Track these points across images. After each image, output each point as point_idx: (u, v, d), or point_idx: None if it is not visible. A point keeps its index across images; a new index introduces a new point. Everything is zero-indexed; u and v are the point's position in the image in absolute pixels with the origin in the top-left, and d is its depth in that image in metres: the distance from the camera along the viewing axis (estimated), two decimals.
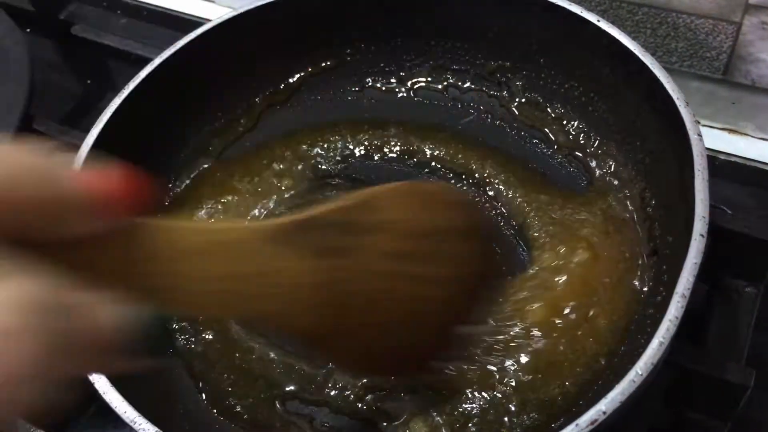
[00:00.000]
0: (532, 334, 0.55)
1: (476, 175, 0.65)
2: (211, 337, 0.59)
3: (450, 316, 0.45)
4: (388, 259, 0.41)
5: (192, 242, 0.35)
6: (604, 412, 0.41)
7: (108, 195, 0.29)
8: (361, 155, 0.69)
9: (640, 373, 0.42)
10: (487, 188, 0.64)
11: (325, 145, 0.70)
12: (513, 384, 0.53)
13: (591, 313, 0.55)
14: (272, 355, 0.57)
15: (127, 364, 0.28)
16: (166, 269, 0.34)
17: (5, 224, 0.26)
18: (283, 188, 0.67)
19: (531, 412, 0.52)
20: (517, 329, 0.55)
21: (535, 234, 0.60)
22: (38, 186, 0.27)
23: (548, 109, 0.68)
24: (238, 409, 0.55)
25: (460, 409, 0.52)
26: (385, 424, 0.53)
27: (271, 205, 0.66)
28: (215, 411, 0.55)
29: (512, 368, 0.53)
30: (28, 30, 0.94)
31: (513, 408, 0.52)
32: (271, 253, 0.37)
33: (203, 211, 0.66)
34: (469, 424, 0.52)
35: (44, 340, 0.24)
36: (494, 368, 0.53)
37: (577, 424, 0.41)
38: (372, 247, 0.40)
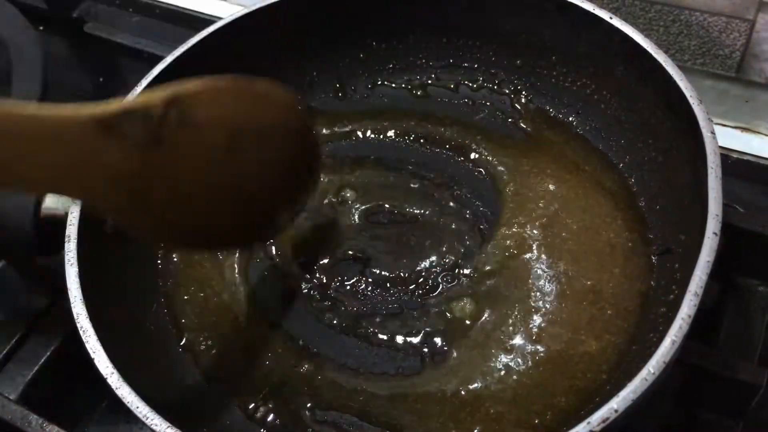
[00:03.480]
0: (542, 332, 0.55)
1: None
2: (227, 336, 0.59)
3: (266, 198, 0.50)
4: (207, 150, 0.45)
5: (21, 126, 0.38)
6: (616, 411, 0.41)
7: None
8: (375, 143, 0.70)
9: (652, 371, 0.42)
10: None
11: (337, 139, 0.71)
12: (521, 384, 0.53)
13: (602, 311, 0.55)
14: (296, 360, 0.57)
15: None
16: None
17: None
18: None
19: (542, 412, 0.52)
20: (525, 326, 0.55)
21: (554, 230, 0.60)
22: None
23: (560, 107, 0.68)
24: (258, 413, 0.55)
25: (469, 410, 0.53)
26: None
27: None
28: (235, 409, 0.56)
29: (521, 368, 0.53)
30: (41, 28, 0.95)
31: (523, 408, 0.52)
32: (95, 143, 0.40)
33: None
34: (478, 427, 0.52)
35: None
36: (503, 366, 0.54)
37: (588, 422, 0.41)
38: (192, 139, 0.44)
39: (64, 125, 0.39)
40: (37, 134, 0.38)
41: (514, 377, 0.53)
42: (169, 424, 0.45)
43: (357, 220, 0.64)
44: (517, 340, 0.55)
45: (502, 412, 0.52)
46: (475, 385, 0.53)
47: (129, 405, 0.46)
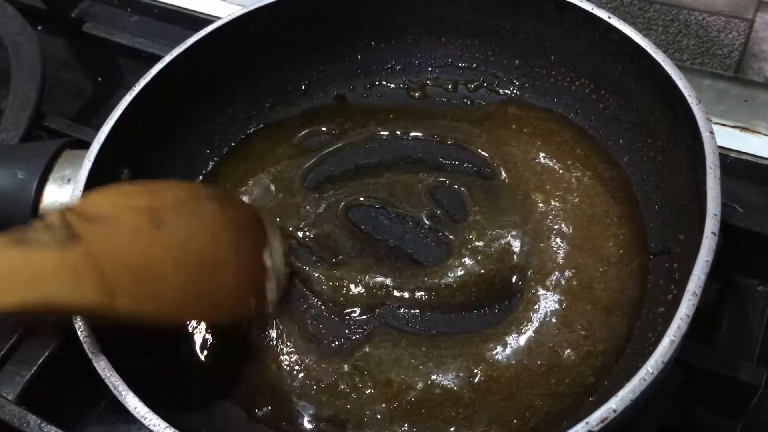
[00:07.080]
0: (540, 329, 0.55)
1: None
2: (228, 336, 0.60)
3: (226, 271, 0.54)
4: (132, 230, 0.49)
5: None
6: (615, 410, 0.41)
7: None
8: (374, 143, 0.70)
9: (650, 371, 0.42)
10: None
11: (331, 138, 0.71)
12: (519, 383, 0.53)
13: (599, 311, 0.55)
14: (295, 360, 0.57)
15: None
16: None
17: None
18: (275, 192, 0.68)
19: (519, 415, 0.52)
20: (522, 324, 0.55)
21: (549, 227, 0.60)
22: None
23: (559, 107, 0.68)
24: (258, 412, 0.55)
25: (467, 408, 0.53)
26: None
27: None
28: (235, 409, 0.56)
29: (517, 366, 0.53)
30: (40, 28, 0.95)
31: (520, 407, 0.52)
32: (25, 256, 0.44)
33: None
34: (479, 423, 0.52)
35: None
36: (498, 365, 0.54)
37: (587, 422, 0.41)
38: (109, 225, 0.48)
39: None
40: None
41: (479, 377, 0.53)
42: (167, 425, 0.45)
43: (353, 219, 0.64)
44: (488, 342, 0.55)
45: (471, 414, 0.52)
46: (442, 384, 0.54)
47: (128, 405, 0.46)
